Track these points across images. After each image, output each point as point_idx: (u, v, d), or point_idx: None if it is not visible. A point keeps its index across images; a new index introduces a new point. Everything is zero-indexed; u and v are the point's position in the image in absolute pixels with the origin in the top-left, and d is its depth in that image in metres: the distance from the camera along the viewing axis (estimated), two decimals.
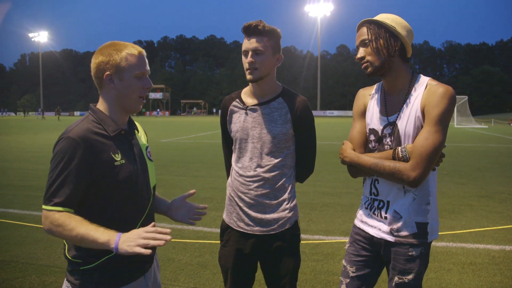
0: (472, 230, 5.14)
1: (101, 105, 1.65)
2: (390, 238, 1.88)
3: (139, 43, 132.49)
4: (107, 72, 1.57)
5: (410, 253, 1.85)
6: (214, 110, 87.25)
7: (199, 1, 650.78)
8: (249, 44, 2.00)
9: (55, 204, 1.45)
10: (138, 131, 1.79)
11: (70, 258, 1.58)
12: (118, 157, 1.57)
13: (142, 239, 1.36)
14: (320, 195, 7.04)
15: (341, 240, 4.73)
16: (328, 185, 7.96)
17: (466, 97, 39.03)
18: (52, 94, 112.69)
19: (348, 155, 1.94)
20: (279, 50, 2.08)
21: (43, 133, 23.96)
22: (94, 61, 1.60)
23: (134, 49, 1.60)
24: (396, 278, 1.88)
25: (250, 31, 2.00)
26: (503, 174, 9.44)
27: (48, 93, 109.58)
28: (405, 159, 1.77)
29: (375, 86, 2.04)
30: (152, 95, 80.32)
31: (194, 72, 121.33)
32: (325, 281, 3.65)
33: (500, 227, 5.26)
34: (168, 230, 1.39)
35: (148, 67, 1.65)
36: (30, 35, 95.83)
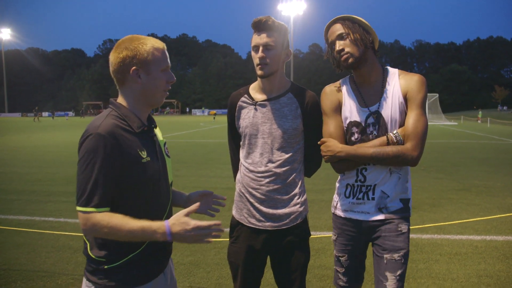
0: (454, 222, 5.30)
1: (122, 101, 1.60)
2: (380, 216, 1.98)
3: (109, 42, 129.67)
4: (134, 67, 1.53)
5: (399, 229, 1.96)
6: (187, 110, 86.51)
7: None
8: (259, 39, 1.99)
9: (96, 206, 1.41)
10: (156, 127, 1.76)
11: (93, 257, 1.53)
12: (144, 154, 1.53)
13: (194, 237, 1.43)
14: None
15: (330, 235, 4.76)
16: (310, 182, 7.95)
17: (437, 94, 40.21)
18: (18, 94, 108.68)
19: (342, 149, 1.94)
20: (288, 45, 2.08)
21: (11, 135, 23.11)
22: (118, 56, 1.54)
23: (158, 43, 1.58)
24: (387, 256, 1.95)
25: (260, 26, 1.98)
26: (476, 168, 9.79)
27: (14, 93, 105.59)
28: (400, 143, 1.90)
29: (339, 81, 2.11)
30: None
31: None
32: (319, 275, 3.69)
33: (479, 219, 5.45)
34: (218, 222, 1.47)
35: (169, 62, 1.64)
36: None
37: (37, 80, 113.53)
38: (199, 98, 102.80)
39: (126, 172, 1.47)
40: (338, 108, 2.04)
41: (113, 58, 1.55)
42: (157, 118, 58.16)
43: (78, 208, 1.43)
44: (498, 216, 5.58)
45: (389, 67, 2.01)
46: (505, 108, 76.84)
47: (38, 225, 5.15)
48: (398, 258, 1.94)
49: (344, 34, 1.90)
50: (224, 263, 3.89)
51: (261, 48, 1.98)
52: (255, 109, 2.10)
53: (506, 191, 7.25)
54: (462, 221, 5.36)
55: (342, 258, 2.09)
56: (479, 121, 41.51)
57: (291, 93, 2.11)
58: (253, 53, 2.04)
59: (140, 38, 1.57)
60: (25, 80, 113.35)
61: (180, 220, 1.42)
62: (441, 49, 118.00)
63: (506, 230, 4.98)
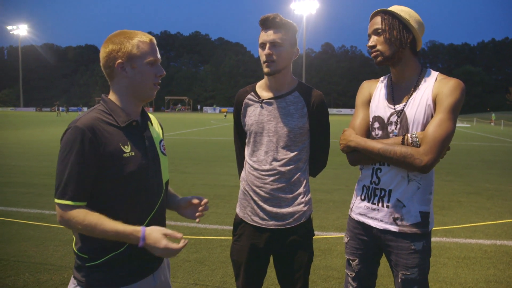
0: (463, 225, 5.23)
1: (112, 96, 1.59)
2: (393, 228, 1.86)
3: None
4: (119, 61, 1.52)
5: (412, 247, 1.84)
6: (199, 107, 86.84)
7: None
8: (266, 36, 1.97)
9: (71, 199, 1.42)
10: (152, 123, 1.72)
11: (76, 251, 1.54)
12: (127, 148, 1.50)
13: (161, 253, 1.44)
14: (312, 192, 7.03)
15: (337, 236, 4.75)
16: (318, 181, 7.93)
17: None
18: (32, 89, 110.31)
19: (354, 139, 1.90)
20: (296, 43, 2.06)
21: (25, 129, 23.44)
22: (104, 50, 1.54)
23: (145, 37, 1.56)
24: (401, 273, 1.87)
25: (267, 23, 1.97)
26: (488, 172, 9.64)
27: (29, 88, 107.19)
28: (416, 145, 1.76)
29: (380, 78, 2.05)
30: None
31: (178, 68, 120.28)
32: (324, 276, 3.66)
33: (489, 223, 5.36)
34: (186, 241, 1.46)
35: (159, 55, 1.61)
36: (9, 28, 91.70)
37: (51, 75, 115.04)
38: (211, 95, 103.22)
39: (105, 165, 1.45)
40: (367, 102, 2.01)
41: (101, 52, 1.56)
42: (168, 115, 58.50)
43: (55, 200, 1.44)
44: (509, 220, 5.49)
45: (430, 69, 1.90)
46: None
47: (47, 219, 5.21)
48: (413, 275, 1.85)
49: (380, 30, 1.84)
50: (229, 261, 3.87)
51: (267, 45, 1.97)
52: (261, 106, 2.09)
53: None
54: (472, 224, 5.28)
55: (353, 262, 2.02)
56: (492, 124, 40.91)
57: (298, 92, 2.09)
58: (260, 50, 2.03)
59: (127, 32, 1.56)
60: (39, 75, 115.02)
61: (155, 234, 1.42)
62: (455, 50, 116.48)
63: None
